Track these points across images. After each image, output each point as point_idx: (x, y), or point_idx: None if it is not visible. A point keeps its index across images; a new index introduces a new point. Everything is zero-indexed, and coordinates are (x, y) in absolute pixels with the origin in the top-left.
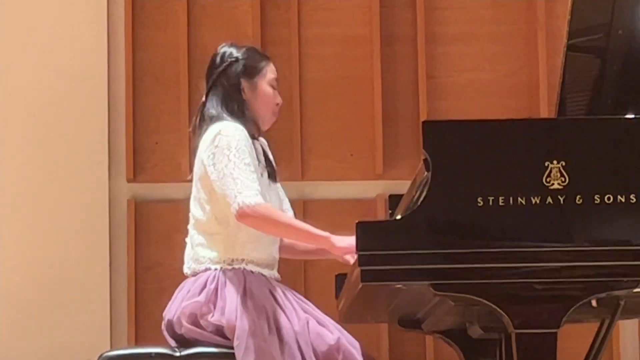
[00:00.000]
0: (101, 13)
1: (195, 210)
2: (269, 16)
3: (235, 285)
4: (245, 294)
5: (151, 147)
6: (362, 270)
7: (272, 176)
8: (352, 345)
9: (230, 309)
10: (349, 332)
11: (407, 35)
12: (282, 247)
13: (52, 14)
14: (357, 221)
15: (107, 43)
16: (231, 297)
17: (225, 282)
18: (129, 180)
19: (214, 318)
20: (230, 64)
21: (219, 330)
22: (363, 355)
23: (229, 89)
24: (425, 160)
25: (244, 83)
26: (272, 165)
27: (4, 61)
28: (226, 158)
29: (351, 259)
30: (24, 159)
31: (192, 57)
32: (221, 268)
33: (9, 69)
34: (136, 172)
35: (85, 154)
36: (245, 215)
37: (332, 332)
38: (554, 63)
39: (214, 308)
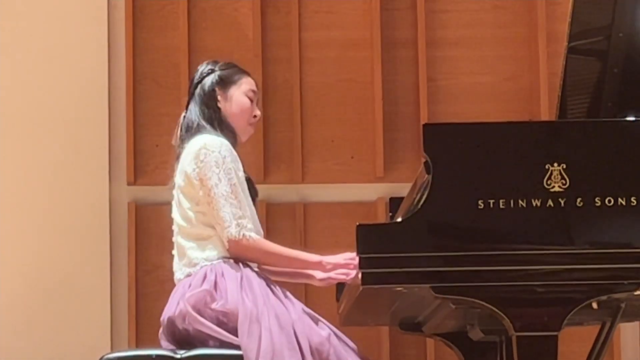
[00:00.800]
0: (101, 17)
1: (179, 219)
2: (270, 20)
3: (232, 273)
4: (243, 282)
5: (151, 150)
6: (362, 273)
7: (252, 191)
8: (343, 345)
9: (231, 296)
10: (348, 335)
11: (408, 38)
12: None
13: (52, 18)
14: (357, 224)
15: (108, 46)
16: (231, 286)
17: (222, 273)
18: (129, 183)
19: (218, 305)
20: (207, 74)
21: (221, 322)
22: (359, 355)
23: (204, 98)
24: (425, 163)
25: (219, 92)
26: (252, 183)
27: (5, 65)
28: (216, 177)
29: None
30: (25, 162)
31: (193, 60)
32: (217, 263)
33: (10, 73)
34: (136, 175)
35: (86, 157)
36: (235, 249)
37: (323, 330)
38: (555, 66)
39: (217, 296)
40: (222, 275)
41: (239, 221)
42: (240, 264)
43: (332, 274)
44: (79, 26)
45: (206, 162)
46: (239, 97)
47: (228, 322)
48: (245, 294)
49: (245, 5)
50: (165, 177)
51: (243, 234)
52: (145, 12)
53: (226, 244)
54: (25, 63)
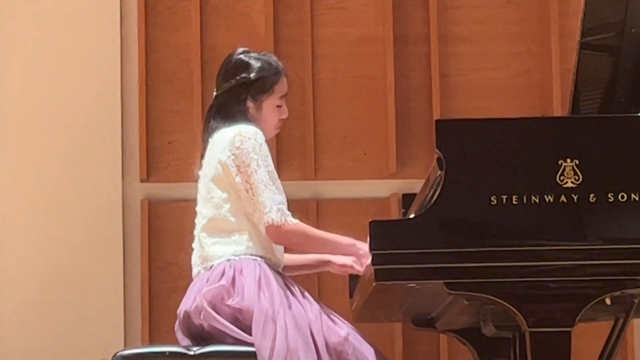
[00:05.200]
0: (114, 14)
1: (208, 211)
2: (282, 16)
3: (251, 271)
4: (261, 281)
5: (164, 147)
6: (375, 270)
7: None
8: (361, 344)
9: (248, 293)
10: (361, 331)
11: (420, 34)
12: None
13: (65, 16)
14: (370, 220)
15: (120, 44)
16: (249, 283)
17: (241, 270)
18: (142, 180)
19: (235, 302)
20: (240, 84)
21: (236, 319)
22: (376, 354)
23: (235, 112)
24: (438, 159)
25: (250, 103)
26: None
27: (17, 63)
28: (255, 163)
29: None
30: (38, 160)
31: (205, 57)
32: (239, 259)
33: (22, 71)
34: (149, 172)
35: (99, 154)
36: (276, 235)
37: (341, 329)
38: (567, 62)
39: (234, 292)
40: (241, 272)
41: (280, 206)
42: (260, 263)
43: (352, 263)
44: (91, 23)
45: (243, 148)
46: (268, 110)
47: (243, 320)
48: (262, 293)
49: (257, 1)
50: (178, 174)
51: (285, 219)
52: (157, 9)
53: (263, 230)
54: (38, 61)
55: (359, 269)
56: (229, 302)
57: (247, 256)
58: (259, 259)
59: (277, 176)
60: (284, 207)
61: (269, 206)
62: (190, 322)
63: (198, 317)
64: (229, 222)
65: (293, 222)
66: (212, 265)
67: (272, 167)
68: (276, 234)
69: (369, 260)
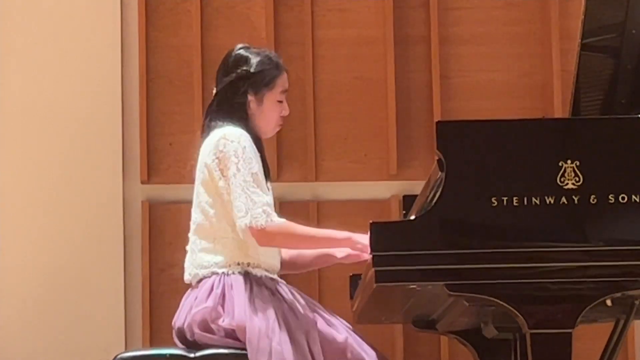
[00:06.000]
0: (114, 16)
1: (197, 216)
2: (282, 18)
3: (241, 287)
4: (252, 295)
5: (165, 149)
6: (376, 271)
7: (269, 177)
8: (361, 346)
9: (239, 311)
10: (362, 332)
11: (421, 36)
12: (283, 263)
13: (65, 17)
14: (371, 222)
15: (121, 45)
16: (239, 300)
17: (231, 285)
18: (143, 182)
19: (225, 322)
20: (241, 77)
21: (231, 334)
22: (377, 355)
23: (235, 106)
24: (439, 160)
25: (250, 97)
26: (268, 167)
27: (17, 64)
28: (234, 167)
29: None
30: (38, 160)
31: (206, 59)
32: (227, 272)
33: (23, 72)
34: (150, 174)
35: (100, 156)
36: (261, 236)
37: (340, 332)
38: (568, 63)
39: (224, 312)
40: (231, 287)
41: (264, 208)
42: (251, 276)
43: (350, 250)
44: (92, 25)
45: (225, 152)
46: (269, 105)
47: (236, 337)
48: (254, 308)
49: (257, 3)
50: (178, 176)
51: (270, 219)
52: (158, 10)
53: (241, 235)
54: (39, 62)
55: (361, 254)
56: (219, 322)
57: (235, 267)
58: (247, 267)
59: (262, 178)
60: (269, 208)
61: (243, 210)
62: (184, 336)
63: (192, 335)
64: (214, 228)
65: (277, 222)
66: (201, 279)
67: (256, 169)
68: (259, 236)
69: (368, 256)
